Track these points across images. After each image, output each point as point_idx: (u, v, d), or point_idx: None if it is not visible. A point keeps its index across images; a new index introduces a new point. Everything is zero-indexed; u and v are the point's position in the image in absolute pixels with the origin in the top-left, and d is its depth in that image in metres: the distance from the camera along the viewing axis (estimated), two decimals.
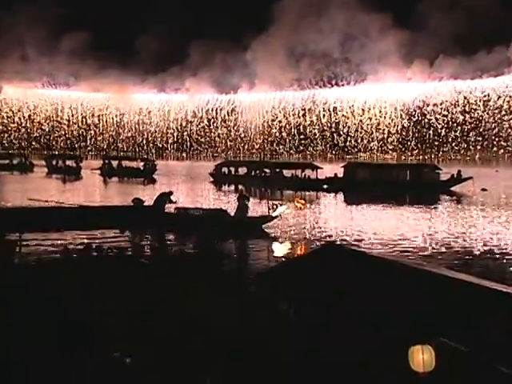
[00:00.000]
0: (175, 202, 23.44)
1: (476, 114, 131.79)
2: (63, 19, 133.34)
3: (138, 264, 11.34)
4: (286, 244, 20.32)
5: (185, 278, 9.51)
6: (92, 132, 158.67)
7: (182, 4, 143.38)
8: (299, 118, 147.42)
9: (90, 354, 6.71)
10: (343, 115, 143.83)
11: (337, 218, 27.43)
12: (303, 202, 23.61)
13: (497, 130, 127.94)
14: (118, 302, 8.16)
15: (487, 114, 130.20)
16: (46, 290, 8.55)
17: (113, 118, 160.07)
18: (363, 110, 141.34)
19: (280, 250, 19.24)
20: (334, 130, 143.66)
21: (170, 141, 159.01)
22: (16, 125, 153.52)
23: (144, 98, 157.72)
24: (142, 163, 67.13)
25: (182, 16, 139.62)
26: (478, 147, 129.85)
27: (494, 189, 46.73)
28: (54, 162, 70.74)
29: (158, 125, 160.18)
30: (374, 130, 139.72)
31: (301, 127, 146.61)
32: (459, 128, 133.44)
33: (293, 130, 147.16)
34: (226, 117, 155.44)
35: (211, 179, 55.38)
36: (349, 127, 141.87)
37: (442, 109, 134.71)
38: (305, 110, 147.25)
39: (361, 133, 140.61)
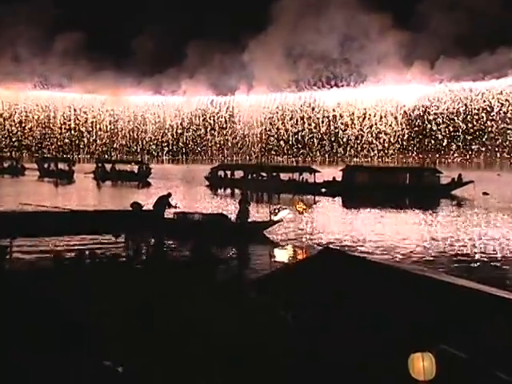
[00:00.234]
0: (175, 207, 23.36)
1: (478, 116, 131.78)
2: (56, 19, 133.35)
3: (130, 270, 11.34)
4: (284, 249, 20.33)
5: (179, 283, 9.53)
6: (86, 135, 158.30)
7: (178, 4, 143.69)
8: (297, 125, 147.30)
9: (86, 359, 6.73)
10: (342, 123, 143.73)
11: (335, 223, 27.45)
12: (304, 206, 23.55)
13: (499, 133, 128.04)
14: (111, 309, 8.17)
15: (489, 116, 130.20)
16: (36, 296, 8.57)
17: (108, 124, 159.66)
18: (364, 116, 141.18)
19: (278, 255, 19.25)
20: (333, 139, 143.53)
21: (165, 144, 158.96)
22: (7, 127, 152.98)
23: (139, 101, 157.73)
24: (136, 166, 67.09)
25: (178, 16, 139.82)
26: (480, 150, 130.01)
27: (495, 193, 46.83)
28: (46, 166, 70.60)
29: (153, 127, 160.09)
30: (374, 140, 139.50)
31: (299, 136, 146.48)
32: (460, 131, 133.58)
33: (291, 138, 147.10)
34: (223, 119, 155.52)
35: (207, 183, 55.40)
36: (348, 137, 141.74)
37: (442, 115, 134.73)
38: (303, 118, 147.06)
39: (361, 141, 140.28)
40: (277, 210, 22.89)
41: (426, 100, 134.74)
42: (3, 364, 6.63)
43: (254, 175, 53.19)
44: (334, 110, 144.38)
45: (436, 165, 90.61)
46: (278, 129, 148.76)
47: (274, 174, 52.81)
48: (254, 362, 6.26)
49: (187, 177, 69.36)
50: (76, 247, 17.37)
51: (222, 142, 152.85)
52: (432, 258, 18.68)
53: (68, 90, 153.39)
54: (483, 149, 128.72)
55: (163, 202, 23.01)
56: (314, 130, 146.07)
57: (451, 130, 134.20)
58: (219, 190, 49.72)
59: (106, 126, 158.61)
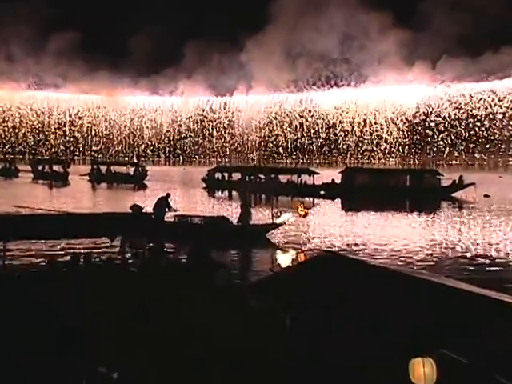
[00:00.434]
0: (176, 210, 23.38)
1: (481, 123, 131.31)
2: (52, 18, 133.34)
3: (126, 274, 11.34)
4: (285, 253, 20.36)
5: (175, 287, 9.53)
6: (81, 140, 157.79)
7: (175, 4, 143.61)
8: (296, 132, 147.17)
9: (80, 364, 6.74)
10: (342, 130, 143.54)
11: (334, 226, 27.46)
12: (306, 209, 23.54)
13: (502, 140, 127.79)
14: (105, 313, 8.18)
15: (492, 123, 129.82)
16: (29, 300, 8.57)
17: (104, 130, 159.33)
18: (364, 123, 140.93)
19: (278, 258, 19.27)
20: (332, 146, 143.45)
21: (161, 146, 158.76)
22: (0, 132, 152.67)
23: (136, 101, 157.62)
24: (132, 168, 67.03)
25: (176, 16, 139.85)
26: (483, 156, 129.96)
27: (497, 195, 46.89)
28: (40, 167, 70.52)
29: (150, 132, 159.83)
30: (374, 147, 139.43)
31: (298, 143, 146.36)
32: (463, 138, 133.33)
33: (290, 145, 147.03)
34: (221, 124, 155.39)
35: (204, 185, 55.38)
36: (348, 146, 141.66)
37: (444, 121, 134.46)
38: (303, 124, 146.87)
39: (361, 148, 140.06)
40: (279, 213, 22.91)
41: (428, 102, 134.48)
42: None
43: (252, 177, 53.19)
44: (333, 117, 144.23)
45: (438, 167, 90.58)
46: (276, 135, 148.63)
47: (273, 175, 52.80)
48: (253, 365, 6.27)
49: (184, 179, 69.35)
50: (71, 250, 17.38)
51: (219, 147, 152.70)
52: (431, 262, 18.70)
53: (63, 91, 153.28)
54: (485, 155, 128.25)
55: (163, 203, 23.08)
56: (313, 137, 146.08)
57: (453, 138, 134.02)
58: (217, 193, 49.70)
59: (102, 132, 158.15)
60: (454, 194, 45.92)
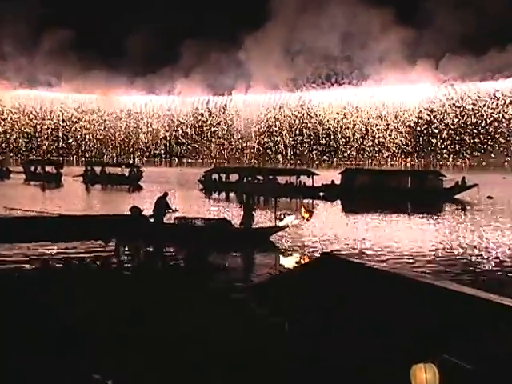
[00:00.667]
0: (175, 210, 23.42)
1: (485, 130, 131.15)
2: (46, 17, 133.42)
3: (120, 278, 11.33)
4: (287, 256, 20.39)
5: (170, 290, 9.53)
6: (71, 135, 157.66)
7: (173, 2, 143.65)
8: (296, 138, 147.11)
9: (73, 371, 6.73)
10: (343, 136, 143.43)
11: (334, 228, 27.45)
12: (310, 211, 23.53)
13: (508, 147, 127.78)
14: (97, 317, 8.16)
15: (497, 116, 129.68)
16: (21, 303, 8.57)
17: (99, 136, 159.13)
18: (366, 130, 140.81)
19: (279, 261, 19.28)
20: (333, 153, 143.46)
21: (158, 146, 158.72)
22: None
23: (132, 101, 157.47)
24: (127, 169, 67.00)
25: (173, 14, 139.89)
26: (486, 151, 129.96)
27: (500, 196, 46.93)
28: (33, 168, 70.49)
29: (145, 129, 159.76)
30: (376, 154, 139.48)
31: (297, 150, 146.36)
32: (466, 133, 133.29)
33: (289, 152, 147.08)
34: (219, 127, 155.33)
35: (200, 186, 55.38)
36: (350, 152, 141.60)
37: (447, 128, 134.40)
38: (302, 130, 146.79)
39: (362, 156, 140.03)
40: (282, 216, 22.93)
41: (431, 101, 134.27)
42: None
43: (250, 178, 53.20)
44: (334, 121, 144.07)
45: (441, 168, 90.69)
46: (276, 142, 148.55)
47: (271, 177, 52.81)
48: (250, 368, 6.27)
49: (180, 180, 69.34)
50: (64, 254, 17.36)
51: (217, 153, 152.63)
52: (434, 265, 18.70)
53: (57, 90, 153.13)
54: (493, 155, 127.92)
55: (162, 202, 23.14)
56: (313, 144, 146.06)
57: (456, 138, 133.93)
58: (214, 194, 49.69)
59: (96, 133, 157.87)
60: (456, 196, 45.95)
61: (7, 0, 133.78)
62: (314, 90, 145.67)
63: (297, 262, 18.67)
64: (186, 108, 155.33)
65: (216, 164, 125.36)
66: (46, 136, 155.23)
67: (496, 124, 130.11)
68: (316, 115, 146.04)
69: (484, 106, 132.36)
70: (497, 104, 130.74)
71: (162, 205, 23.05)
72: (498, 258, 20.40)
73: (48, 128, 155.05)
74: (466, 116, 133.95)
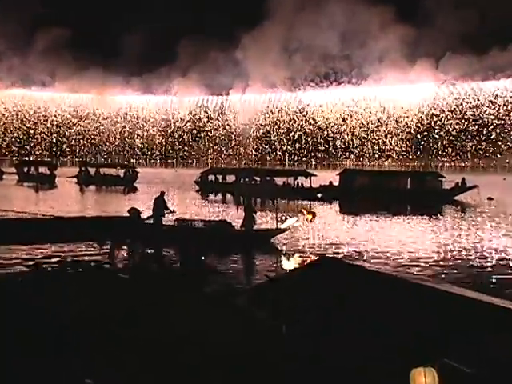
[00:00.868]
0: (173, 211, 23.49)
1: (488, 136, 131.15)
2: (42, 16, 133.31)
3: (114, 280, 11.33)
4: (282, 258, 20.41)
5: (163, 293, 9.53)
6: (66, 140, 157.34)
7: (169, 1, 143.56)
8: (294, 145, 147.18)
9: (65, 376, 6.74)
10: (343, 141, 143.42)
11: (332, 230, 27.46)
12: (313, 213, 23.55)
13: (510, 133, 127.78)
14: (91, 319, 8.17)
15: (499, 116, 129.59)
16: (13, 305, 8.58)
17: (93, 140, 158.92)
18: (366, 135, 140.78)
19: (275, 263, 19.29)
20: (332, 159, 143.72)
21: (153, 152, 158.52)
22: None
23: (128, 100, 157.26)
24: (122, 170, 66.96)
25: (169, 13, 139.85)
26: (487, 152, 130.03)
27: (501, 198, 47.01)
28: (26, 169, 70.42)
29: (141, 133, 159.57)
30: (376, 161, 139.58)
31: (295, 157, 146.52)
32: (467, 133, 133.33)
33: (287, 158, 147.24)
34: (217, 124, 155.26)
35: (197, 188, 55.37)
36: (349, 159, 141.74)
37: (449, 133, 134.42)
38: (301, 136, 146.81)
39: (362, 163, 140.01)
40: (284, 218, 22.96)
41: (432, 103, 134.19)
42: None
43: (247, 180, 53.23)
44: (333, 126, 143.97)
45: (441, 169, 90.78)
46: (274, 149, 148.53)
47: (268, 178, 52.83)
48: (245, 372, 6.29)
49: (176, 181, 69.32)
50: (58, 255, 17.35)
51: (214, 156, 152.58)
52: (434, 267, 18.72)
53: (50, 90, 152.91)
54: (496, 156, 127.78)
55: (160, 201, 23.25)
56: (311, 151, 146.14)
57: (456, 139, 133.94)
58: (210, 196, 49.69)
59: (91, 143, 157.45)
60: (456, 197, 46.00)
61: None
62: (312, 88, 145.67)
63: (296, 265, 18.69)
64: (183, 109, 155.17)
65: (212, 165, 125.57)
66: (39, 139, 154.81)
67: (496, 123, 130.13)
68: (315, 120, 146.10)
69: (484, 105, 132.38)
70: (498, 106, 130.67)
71: (160, 204, 23.18)
72: (498, 260, 20.43)
73: (41, 133, 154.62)
74: (466, 116, 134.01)
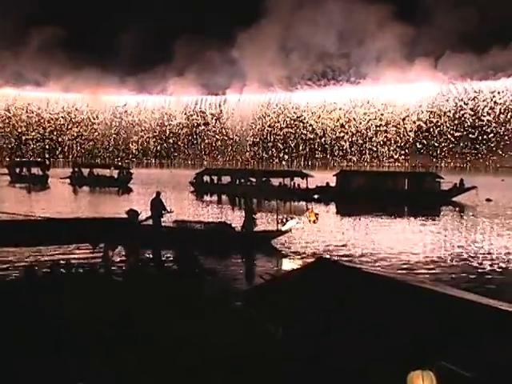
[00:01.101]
0: (171, 211, 23.54)
1: (485, 117, 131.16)
2: (36, 14, 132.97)
3: (107, 282, 11.33)
4: (279, 259, 20.46)
5: (157, 295, 9.53)
6: (59, 146, 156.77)
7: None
8: (292, 153, 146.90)
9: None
10: (341, 149, 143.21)
11: (328, 231, 27.48)
12: (316, 214, 23.59)
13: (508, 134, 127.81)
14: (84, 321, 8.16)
15: (498, 116, 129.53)
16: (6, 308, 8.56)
17: (88, 143, 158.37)
18: (365, 140, 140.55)
19: (272, 265, 19.32)
20: (331, 165, 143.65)
21: (149, 147, 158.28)
22: None
23: (123, 100, 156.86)
24: (115, 171, 66.84)
25: (166, 12, 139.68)
26: (486, 153, 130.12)
27: (499, 199, 47.09)
28: (18, 170, 70.19)
29: (137, 135, 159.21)
30: (375, 166, 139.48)
31: (294, 163, 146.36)
32: (466, 134, 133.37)
33: (284, 164, 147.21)
34: (213, 128, 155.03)
35: (192, 188, 55.33)
36: (348, 164, 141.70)
37: (446, 118, 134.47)
38: (298, 144, 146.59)
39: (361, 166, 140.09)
40: (285, 220, 23.01)
41: (430, 101, 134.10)
42: None
43: (243, 180, 53.22)
44: (332, 131, 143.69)
45: (441, 170, 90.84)
46: (271, 155, 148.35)
47: (264, 179, 52.82)
48: (242, 374, 6.29)
49: (171, 182, 69.23)
50: (50, 258, 17.33)
51: (210, 159, 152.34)
52: (432, 269, 18.75)
53: (44, 89, 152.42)
54: (496, 157, 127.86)
55: (157, 202, 23.35)
56: (309, 157, 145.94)
57: (455, 139, 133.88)
58: (205, 197, 49.66)
59: (85, 149, 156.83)
60: (454, 198, 46.06)
61: None
62: (310, 88, 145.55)
63: (293, 267, 18.71)
64: (179, 109, 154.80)
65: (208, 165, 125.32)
66: (31, 144, 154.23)
67: (496, 123, 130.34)
68: (312, 127, 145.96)
69: (484, 105, 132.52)
70: (498, 106, 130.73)
71: (157, 205, 23.25)
72: (497, 262, 20.47)
73: (33, 139, 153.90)
74: (465, 116, 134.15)
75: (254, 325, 7.04)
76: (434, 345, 4.92)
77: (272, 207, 25.55)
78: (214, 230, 22.52)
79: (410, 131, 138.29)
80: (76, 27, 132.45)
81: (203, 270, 12.95)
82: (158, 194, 23.93)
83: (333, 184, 48.75)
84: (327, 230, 27.95)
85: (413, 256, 21.09)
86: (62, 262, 12.91)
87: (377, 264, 19.21)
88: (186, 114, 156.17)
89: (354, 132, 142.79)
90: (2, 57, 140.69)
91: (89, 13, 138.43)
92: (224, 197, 48.75)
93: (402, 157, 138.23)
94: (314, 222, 22.63)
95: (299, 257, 20.73)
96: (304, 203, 42.33)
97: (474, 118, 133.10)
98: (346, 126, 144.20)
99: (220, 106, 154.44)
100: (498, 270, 19.10)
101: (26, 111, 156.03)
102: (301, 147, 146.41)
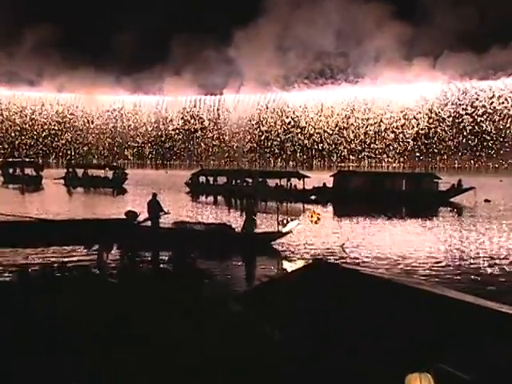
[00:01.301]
0: (168, 213, 23.56)
1: (485, 117, 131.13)
2: (31, 13, 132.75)
3: (101, 285, 11.32)
4: (279, 260, 20.49)
5: (150, 297, 9.53)
6: (54, 150, 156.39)
7: None
8: (290, 159, 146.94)
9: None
10: (339, 155, 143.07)
11: (326, 233, 27.48)
12: (318, 215, 23.62)
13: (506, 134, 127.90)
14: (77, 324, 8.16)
15: (498, 116, 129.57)
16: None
17: (85, 139, 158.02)
18: (363, 147, 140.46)
19: (268, 267, 19.33)
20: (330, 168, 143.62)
21: (144, 153, 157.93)
22: None
23: (118, 100, 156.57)
24: (110, 172, 66.77)
25: (162, 11, 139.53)
26: (485, 153, 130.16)
27: (498, 200, 47.16)
28: (11, 171, 70.04)
29: (130, 129, 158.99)
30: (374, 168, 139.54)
31: (292, 167, 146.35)
32: (465, 134, 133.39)
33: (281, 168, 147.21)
34: (210, 126, 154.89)
35: (187, 189, 55.31)
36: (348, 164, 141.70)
37: (445, 118, 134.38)
38: (296, 150, 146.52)
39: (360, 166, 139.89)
40: (285, 221, 23.03)
41: (429, 101, 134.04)
42: None
43: (239, 181, 53.24)
44: (331, 134, 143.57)
45: (440, 170, 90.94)
46: (268, 161, 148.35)
47: (260, 179, 52.85)
48: (237, 377, 6.29)
49: (167, 183, 69.20)
50: (44, 259, 17.29)
51: (206, 141, 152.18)
52: (429, 271, 18.77)
53: (38, 89, 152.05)
54: (497, 157, 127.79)
55: (154, 203, 23.41)
56: (306, 162, 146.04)
57: (454, 139, 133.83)
58: (201, 198, 49.63)
59: (79, 154, 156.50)
60: (452, 199, 46.12)
61: None
62: (307, 86, 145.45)
63: (291, 268, 18.71)
64: (175, 110, 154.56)
65: (203, 161, 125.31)
66: (23, 147, 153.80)
67: (493, 123, 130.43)
68: (310, 133, 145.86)
69: (484, 105, 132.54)
70: (499, 105, 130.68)
71: (154, 206, 23.27)
72: (495, 263, 20.50)
73: (26, 144, 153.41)
74: (464, 116, 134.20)
75: (252, 326, 7.04)
76: (432, 347, 4.93)
77: (269, 208, 25.56)
78: (215, 231, 22.58)
79: (409, 138, 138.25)
80: (71, 26, 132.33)
81: (199, 272, 12.94)
82: (155, 195, 23.98)
83: (330, 185, 48.80)
84: (326, 231, 27.94)
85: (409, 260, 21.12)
86: (55, 264, 12.90)
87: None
88: (182, 118, 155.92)
89: (352, 138, 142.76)
90: None
91: (84, 12, 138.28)
92: (220, 198, 48.73)
93: (401, 164, 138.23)
94: (316, 222, 22.65)
95: (296, 258, 20.74)
96: (301, 204, 42.34)
97: (472, 117, 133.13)
98: (344, 132, 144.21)
99: (218, 109, 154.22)
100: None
101: (20, 116, 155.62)
102: (298, 154, 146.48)
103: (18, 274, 11.90)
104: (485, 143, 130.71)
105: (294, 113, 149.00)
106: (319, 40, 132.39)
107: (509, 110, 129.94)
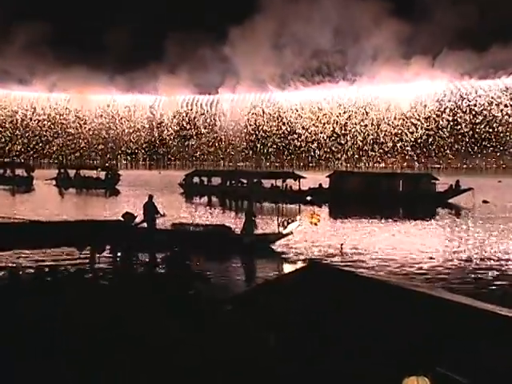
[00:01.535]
0: (164, 215, 23.56)
1: (485, 116, 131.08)
2: (22, 10, 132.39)
3: (94, 286, 11.31)
4: (278, 262, 20.53)
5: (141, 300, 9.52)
6: (43, 136, 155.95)
7: None
8: (284, 163, 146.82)
9: None
10: (337, 158, 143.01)
11: (322, 234, 27.47)
12: (318, 215, 23.65)
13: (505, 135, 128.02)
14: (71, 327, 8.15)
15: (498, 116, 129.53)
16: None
17: (77, 143, 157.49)
18: (361, 152, 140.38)
19: (266, 269, 19.35)
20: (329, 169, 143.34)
21: (137, 148, 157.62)
22: None
23: (112, 99, 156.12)
24: (103, 172, 66.58)
25: (156, 8, 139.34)
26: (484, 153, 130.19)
27: (496, 201, 47.22)
28: (2, 172, 69.80)
29: (123, 129, 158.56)
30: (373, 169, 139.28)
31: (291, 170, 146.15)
32: (464, 134, 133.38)
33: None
34: (203, 121, 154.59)
35: (181, 190, 55.22)
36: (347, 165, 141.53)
37: (443, 117, 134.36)
38: (291, 155, 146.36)
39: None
40: (286, 223, 23.06)
41: (428, 100, 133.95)
42: None
43: (234, 182, 53.18)
44: (329, 139, 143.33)
45: (439, 171, 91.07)
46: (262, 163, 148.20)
47: (255, 180, 52.79)
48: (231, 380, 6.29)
49: (160, 184, 69.11)
50: (35, 261, 17.25)
51: (201, 142, 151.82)
52: (427, 273, 18.78)
53: (29, 88, 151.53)
54: (499, 158, 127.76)
55: (150, 206, 23.47)
56: (303, 166, 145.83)
57: (453, 139, 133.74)
58: (195, 198, 49.55)
59: (70, 160, 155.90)
60: (450, 200, 46.15)
61: None
62: (303, 85, 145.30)
63: (286, 270, 18.72)
64: (170, 110, 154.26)
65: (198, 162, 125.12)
66: (14, 148, 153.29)
67: (493, 123, 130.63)
68: (307, 138, 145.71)
69: (483, 104, 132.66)
70: (499, 103, 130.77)
71: (150, 208, 23.26)
72: (494, 265, 20.54)
73: (17, 151, 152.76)
74: (463, 115, 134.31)
75: (247, 329, 7.03)
76: (430, 350, 4.92)
77: (265, 209, 25.55)
78: (214, 233, 22.62)
79: (407, 142, 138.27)
80: (63, 24, 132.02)
81: (193, 274, 12.93)
82: (151, 197, 23.97)
83: (326, 185, 48.75)
84: (321, 232, 27.93)
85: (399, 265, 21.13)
86: (47, 266, 12.87)
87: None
88: (178, 124, 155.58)
89: (350, 143, 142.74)
90: None
91: (77, 8, 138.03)
92: (214, 199, 48.67)
93: (399, 164, 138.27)
94: (316, 224, 22.69)
95: (291, 260, 20.75)
96: (297, 205, 42.30)
97: (472, 116, 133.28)
98: (342, 138, 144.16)
99: (212, 107, 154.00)
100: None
101: (11, 122, 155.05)
102: (294, 161, 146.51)
103: (7, 276, 11.87)
104: (484, 143, 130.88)
105: (290, 114, 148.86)
106: (316, 38, 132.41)
107: (509, 110, 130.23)
